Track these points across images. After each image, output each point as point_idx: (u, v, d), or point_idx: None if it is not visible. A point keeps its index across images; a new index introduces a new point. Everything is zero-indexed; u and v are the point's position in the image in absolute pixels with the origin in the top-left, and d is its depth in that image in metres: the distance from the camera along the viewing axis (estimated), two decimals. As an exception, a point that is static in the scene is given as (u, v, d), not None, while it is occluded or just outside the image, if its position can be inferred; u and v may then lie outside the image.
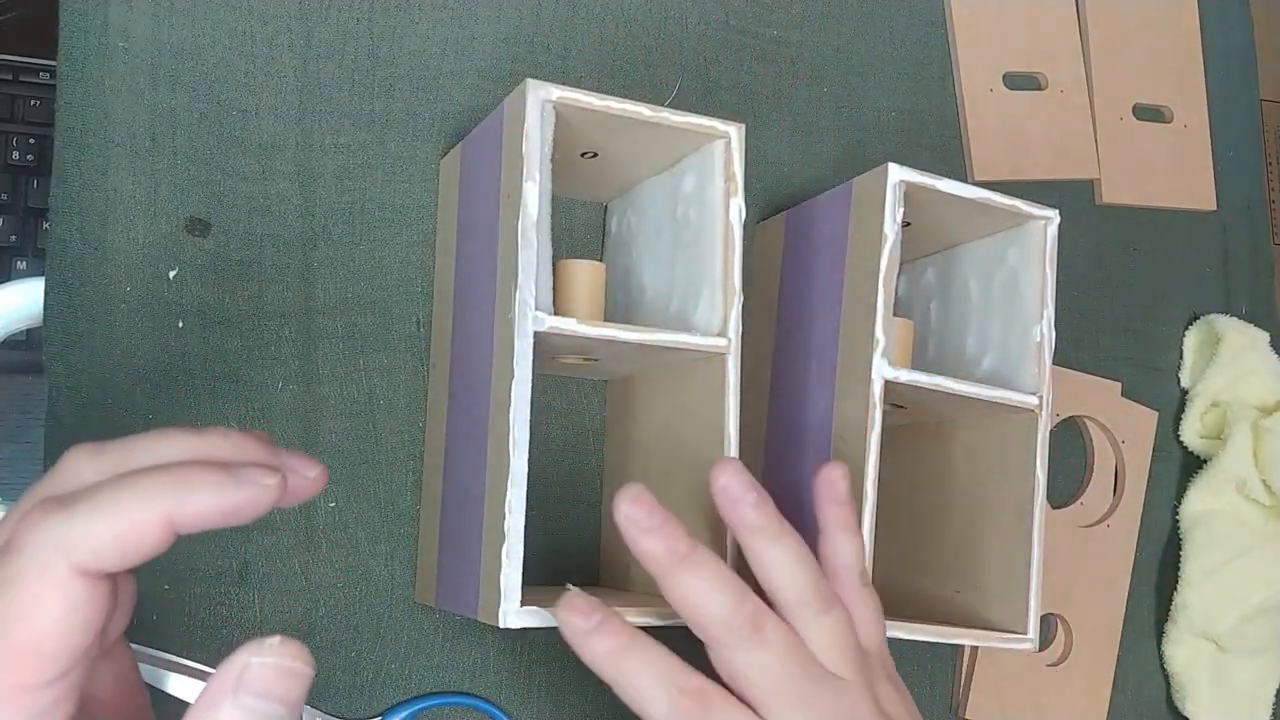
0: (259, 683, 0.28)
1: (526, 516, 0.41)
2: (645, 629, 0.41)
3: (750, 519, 0.41)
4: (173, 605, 0.47)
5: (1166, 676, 0.68)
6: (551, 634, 0.54)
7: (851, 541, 0.44)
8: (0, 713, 0.28)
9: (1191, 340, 0.72)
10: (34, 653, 0.28)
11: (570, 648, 0.40)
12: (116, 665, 0.35)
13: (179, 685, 0.47)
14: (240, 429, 0.34)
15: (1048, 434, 0.52)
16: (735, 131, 0.46)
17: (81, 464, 0.32)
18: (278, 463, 0.32)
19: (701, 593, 0.39)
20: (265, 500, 0.31)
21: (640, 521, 0.40)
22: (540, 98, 0.42)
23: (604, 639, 0.39)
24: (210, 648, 0.48)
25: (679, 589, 0.40)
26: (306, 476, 0.33)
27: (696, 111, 0.46)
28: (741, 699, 0.40)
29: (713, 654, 0.41)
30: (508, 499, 0.41)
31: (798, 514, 0.51)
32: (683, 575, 0.39)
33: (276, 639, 0.29)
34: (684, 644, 0.40)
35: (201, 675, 0.47)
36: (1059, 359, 0.63)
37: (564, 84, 0.43)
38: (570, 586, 0.41)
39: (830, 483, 0.45)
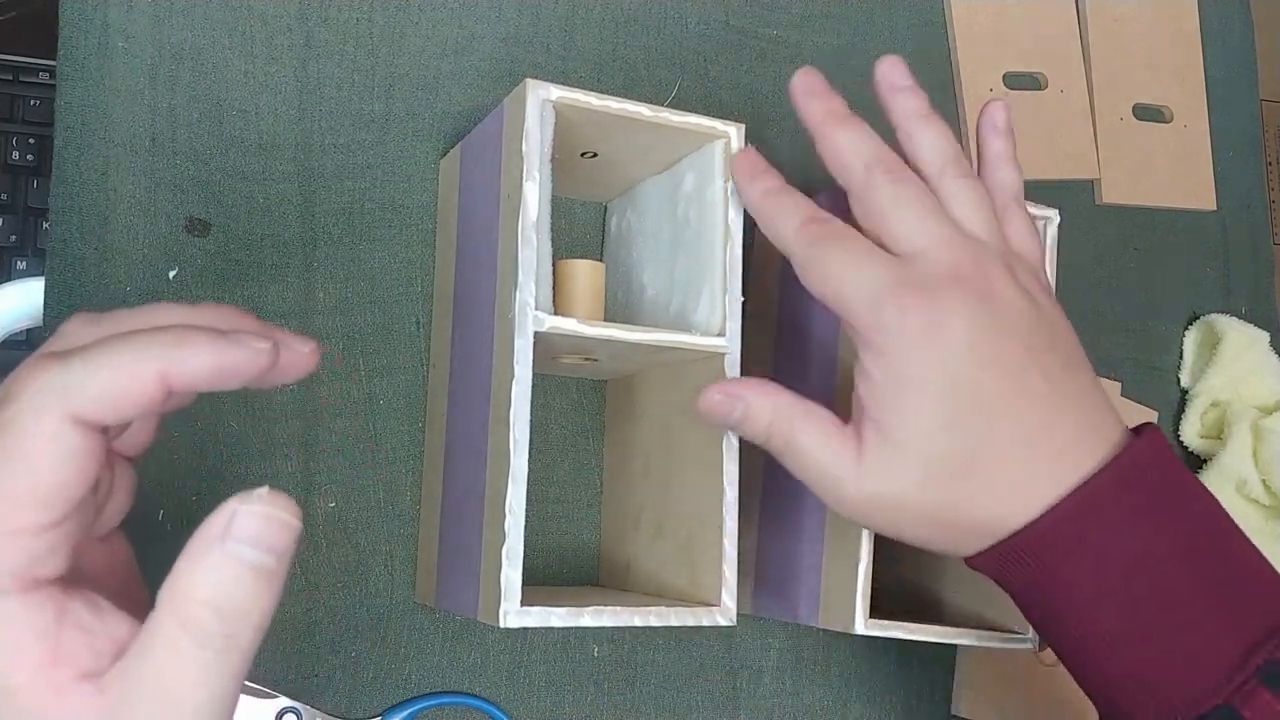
0: (248, 530, 0.28)
1: (526, 516, 0.41)
2: (647, 629, 0.41)
3: (909, 104, 0.45)
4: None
5: (1166, 676, 0.68)
6: (551, 634, 0.54)
7: (1009, 166, 0.47)
8: None
9: (1191, 340, 0.72)
10: (29, 496, 0.28)
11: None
12: (113, 554, 0.35)
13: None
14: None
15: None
16: (735, 131, 0.46)
17: (80, 328, 0.32)
18: (271, 335, 0.32)
19: (853, 141, 0.43)
20: (258, 363, 0.31)
21: (809, 88, 0.45)
22: (540, 98, 0.42)
23: (763, 181, 0.44)
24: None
25: (833, 141, 0.43)
26: (300, 351, 0.33)
27: (696, 111, 0.46)
28: (876, 242, 0.42)
29: (853, 200, 0.43)
30: (508, 499, 0.41)
31: (800, 516, 0.51)
32: (838, 131, 0.43)
33: (265, 489, 0.29)
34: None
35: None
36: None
37: (564, 84, 0.43)
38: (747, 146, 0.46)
39: (991, 115, 0.47)
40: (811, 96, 0.44)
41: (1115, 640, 0.40)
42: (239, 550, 0.28)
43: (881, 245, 0.42)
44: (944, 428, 0.40)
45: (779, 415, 0.42)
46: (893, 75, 0.45)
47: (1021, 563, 0.41)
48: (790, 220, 0.43)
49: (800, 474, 0.43)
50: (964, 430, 0.40)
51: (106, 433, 0.30)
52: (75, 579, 0.30)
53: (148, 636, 0.28)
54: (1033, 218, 0.46)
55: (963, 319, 0.40)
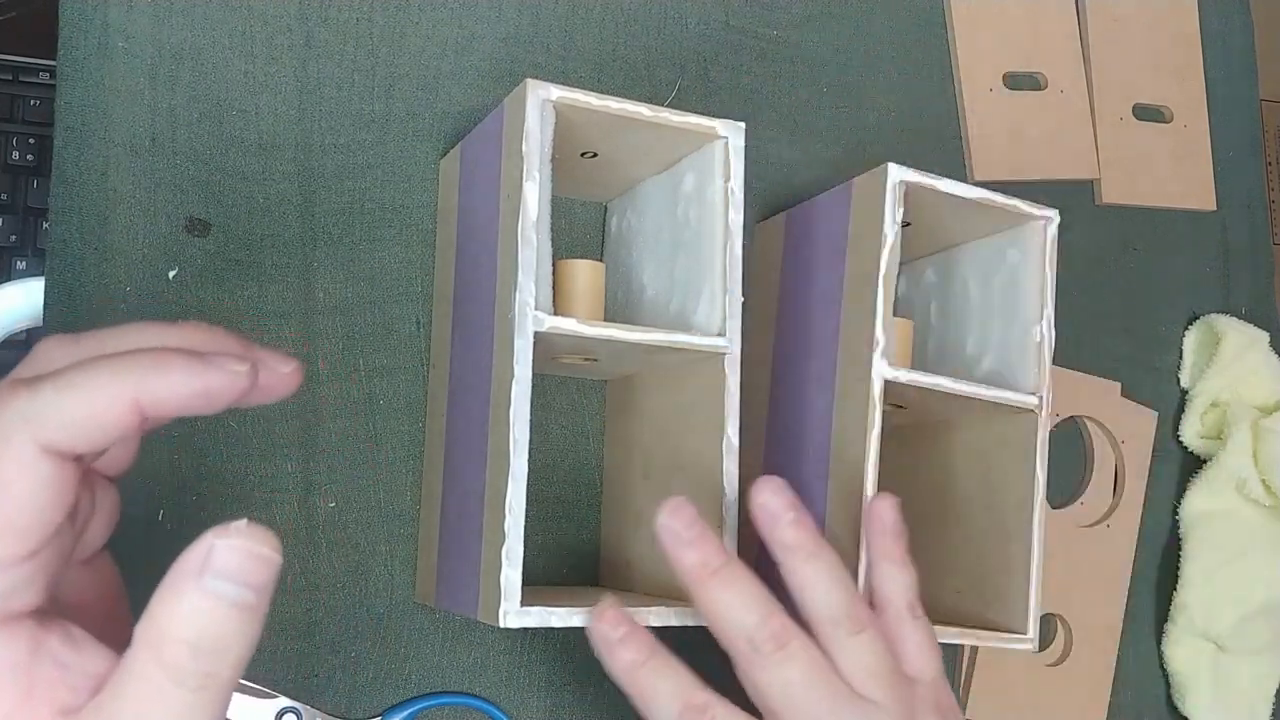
0: (227, 565, 0.27)
1: (526, 516, 0.41)
2: (654, 628, 0.41)
3: (789, 538, 0.42)
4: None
5: (1166, 676, 0.68)
6: (551, 634, 0.54)
7: (899, 572, 0.45)
8: None
9: (1191, 340, 0.72)
10: (1, 528, 0.27)
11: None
12: (98, 577, 0.35)
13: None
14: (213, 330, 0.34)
15: (1047, 434, 0.52)
16: (735, 131, 0.46)
17: (54, 351, 0.31)
18: (251, 356, 0.31)
19: (730, 606, 0.41)
20: (235, 387, 0.30)
21: (679, 533, 0.41)
22: (540, 98, 0.42)
23: (627, 651, 0.41)
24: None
25: (709, 601, 0.41)
26: (280, 372, 0.32)
27: (696, 111, 0.46)
28: (764, 716, 0.40)
29: (738, 669, 0.41)
30: (508, 499, 0.41)
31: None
32: (714, 588, 0.41)
33: (243, 522, 0.28)
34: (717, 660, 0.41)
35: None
36: (1059, 359, 0.63)
37: (564, 84, 0.43)
38: (605, 597, 0.42)
39: (878, 514, 0.45)
40: (683, 545, 0.41)
41: None
42: (217, 586, 0.27)
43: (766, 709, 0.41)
44: None
45: None
46: (773, 503, 0.43)
47: None
48: (667, 708, 0.40)
49: None
50: None
51: (81, 459, 0.29)
52: (54, 608, 0.30)
53: (125, 673, 0.28)
54: (930, 627, 0.45)
55: None
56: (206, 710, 0.28)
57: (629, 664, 0.41)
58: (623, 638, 0.41)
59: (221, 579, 0.27)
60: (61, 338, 0.32)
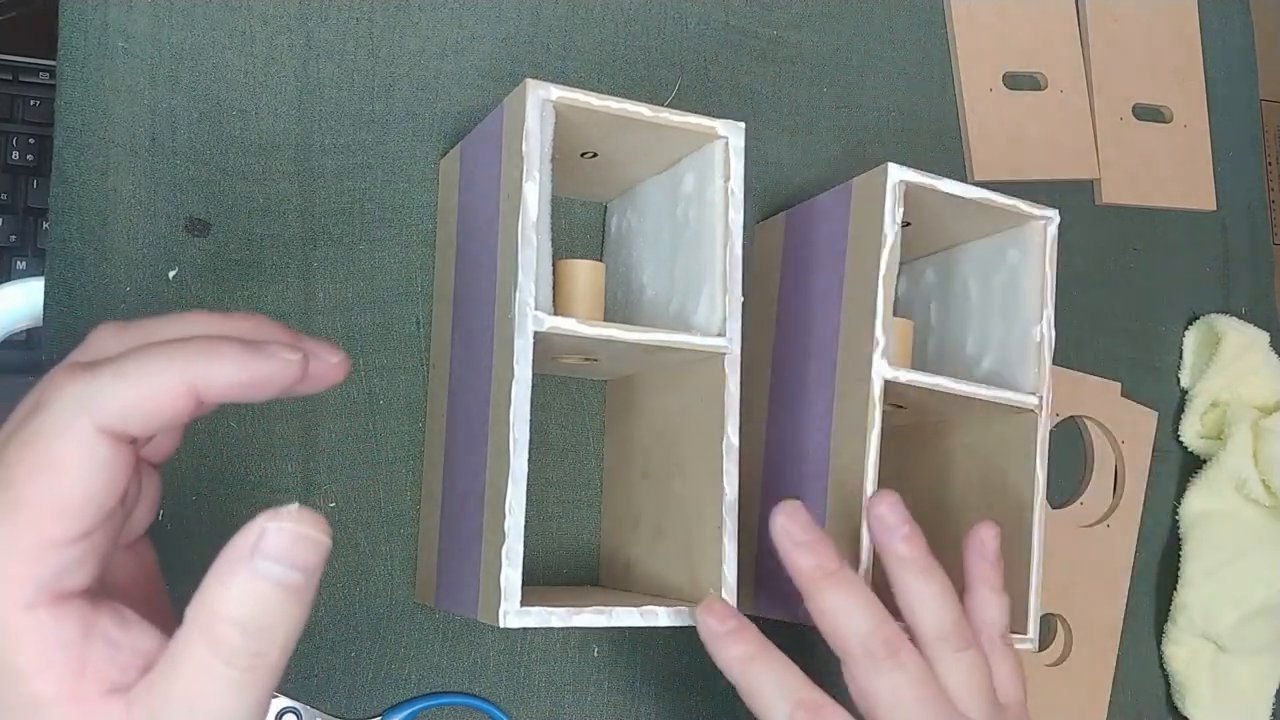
0: (276, 548, 0.28)
1: (526, 516, 0.41)
2: (647, 629, 0.41)
3: (902, 551, 0.44)
4: (175, 606, 0.47)
5: (1166, 676, 0.68)
6: (551, 634, 0.54)
7: (997, 599, 0.46)
8: (24, 565, 0.28)
9: (1191, 340, 0.72)
10: (58, 508, 0.28)
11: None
12: (139, 561, 0.35)
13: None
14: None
15: (1048, 434, 0.52)
16: (735, 131, 0.46)
17: (108, 338, 0.32)
18: (301, 345, 0.32)
19: (845, 610, 0.42)
20: (288, 375, 0.31)
21: (795, 535, 0.42)
22: (540, 98, 0.42)
23: (737, 645, 0.42)
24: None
25: (824, 604, 0.42)
26: (329, 361, 0.33)
27: (696, 111, 0.46)
28: (869, 715, 0.41)
29: (847, 672, 0.42)
30: (508, 499, 0.41)
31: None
32: (829, 592, 0.42)
33: (294, 506, 0.28)
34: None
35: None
36: (1059, 359, 0.63)
37: (564, 84, 0.43)
38: (711, 591, 0.43)
39: (981, 541, 0.47)
40: (799, 547, 0.43)
41: None
42: (267, 568, 0.28)
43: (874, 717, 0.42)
44: None
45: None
46: (890, 517, 0.44)
47: None
48: (779, 707, 0.41)
49: None
50: None
51: (135, 443, 0.30)
52: (102, 589, 0.30)
53: (176, 653, 0.28)
54: (1018, 656, 0.46)
55: None
56: (255, 689, 0.28)
57: (740, 658, 0.41)
58: (730, 631, 0.42)
59: (271, 561, 0.28)
60: (114, 325, 0.33)
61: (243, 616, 0.28)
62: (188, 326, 0.32)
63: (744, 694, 0.42)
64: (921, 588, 0.43)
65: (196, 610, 0.28)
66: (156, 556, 0.36)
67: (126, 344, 0.31)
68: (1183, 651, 0.67)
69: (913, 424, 0.59)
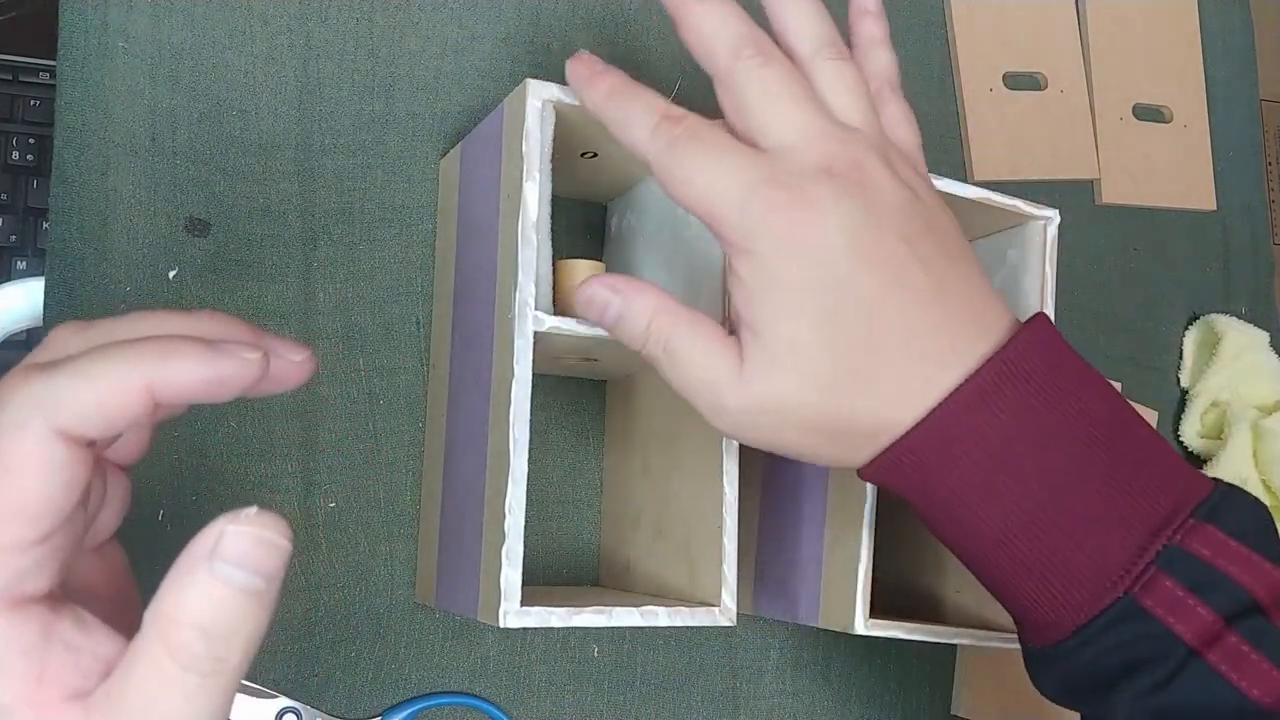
0: (235, 551, 0.27)
1: (526, 516, 0.41)
2: (647, 629, 0.41)
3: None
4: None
5: (1166, 676, 0.68)
6: (551, 634, 0.54)
7: (883, 50, 0.44)
8: None
9: (1191, 340, 0.72)
10: (14, 512, 0.28)
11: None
12: (107, 564, 0.35)
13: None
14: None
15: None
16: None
17: (67, 337, 0.32)
18: (262, 344, 0.31)
19: (716, 19, 0.40)
20: (248, 374, 0.30)
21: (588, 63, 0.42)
22: (540, 98, 0.42)
23: (603, 81, 0.41)
24: (210, 648, 0.48)
25: (694, 18, 0.41)
26: (292, 360, 0.32)
27: (696, 111, 0.46)
28: (742, 135, 0.39)
29: (719, 90, 0.40)
30: (508, 499, 0.41)
31: (800, 516, 0.51)
32: (700, 7, 0.40)
33: (254, 509, 0.28)
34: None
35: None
36: (1059, 359, 0.62)
37: (564, 84, 0.43)
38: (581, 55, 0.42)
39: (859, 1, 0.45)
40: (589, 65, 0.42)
41: (1010, 538, 0.38)
42: (227, 572, 0.27)
43: (749, 138, 0.39)
44: (818, 327, 0.37)
45: (659, 318, 0.40)
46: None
47: (911, 467, 0.38)
48: (643, 121, 0.40)
49: (679, 384, 0.40)
50: (840, 330, 0.37)
51: (94, 445, 0.29)
52: (65, 593, 0.30)
53: (134, 658, 0.28)
54: (909, 105, 0.44)
55: (835, 215, 0.37)
56: (215, 695, 0.28)
57: (605, 93, 0.41)
58: (598, 73, 0.41)
59: (231, 565, 0.27)
60: (74, 324, 0.32)
61: (202, 621, 0.27)
62: (149, 326, 0.32)
63: (612, 127, 0.41)
64: (792, 5, 0.41)
65: (154, 614, 0.28)
66: (126, 559, 0.36)
67: (87, 343, 0.31)
68: (1183, 651, 0.67)
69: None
